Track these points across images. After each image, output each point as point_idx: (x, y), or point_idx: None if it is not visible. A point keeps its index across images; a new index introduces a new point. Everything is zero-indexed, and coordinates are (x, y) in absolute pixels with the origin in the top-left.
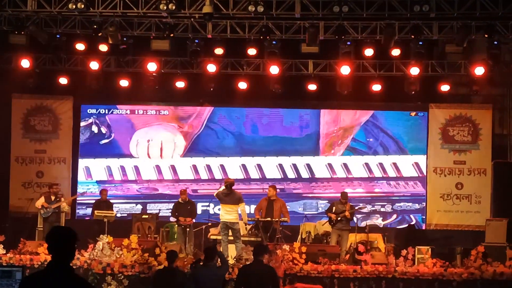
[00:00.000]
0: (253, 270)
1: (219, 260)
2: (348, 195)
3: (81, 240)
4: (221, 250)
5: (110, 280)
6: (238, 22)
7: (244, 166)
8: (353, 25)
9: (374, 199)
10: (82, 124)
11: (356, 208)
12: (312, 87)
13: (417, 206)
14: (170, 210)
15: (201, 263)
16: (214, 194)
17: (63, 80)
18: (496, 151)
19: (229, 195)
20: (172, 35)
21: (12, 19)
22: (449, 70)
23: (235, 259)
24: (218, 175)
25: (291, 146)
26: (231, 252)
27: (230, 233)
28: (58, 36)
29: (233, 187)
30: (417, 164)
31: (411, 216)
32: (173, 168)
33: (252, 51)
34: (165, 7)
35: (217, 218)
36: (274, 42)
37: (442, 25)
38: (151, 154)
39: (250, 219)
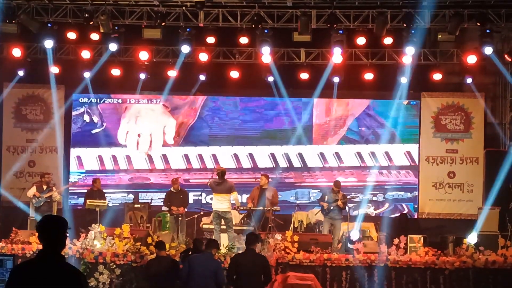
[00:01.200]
0: (245, 259)
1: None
2: (341, 184)
3: (73, 230)
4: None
5: (102, 269)
6: (230, 10)
7: (236, 155)
8: (345, 14)
9: (366, 188)
10: (74, 113)
11: (348, 197)
12: (304, 76)
13: (409, 195)
14: (162, 200)
15: (190, 253)
16: (208, 184)
17: (54, 69)
18: (488, 139)
19: (221, 184)
20: (163, 23)
21: (3, 8)
22: (441, 58)
23: (227, 248)
24: (210, 164)
25: (283, 136)
26: (223, 241)
27: (223, 222)
28: (49, 25)
29: (225, 177)
30: (409, 153)
31: (403, 205)
32: (164, 157)
33: (244, 40)
34: None
35: (209, 207)
36: (266, 31)
37: (434, 13)
38: (141, 147)
39: (242, 208)
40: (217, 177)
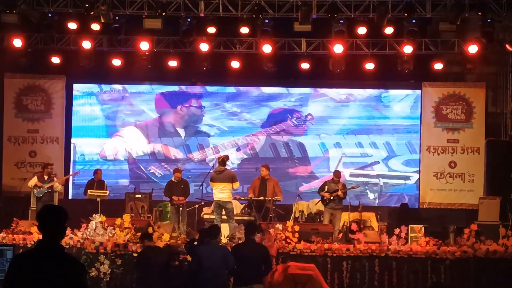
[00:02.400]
0: (245, 249)
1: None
2: (341, 174)
3: (74, 220)
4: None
5: (103, 259)
6: (230, 0)
7: (236, 145)
8: (346, 3)
9: (367, 177)
10: (75, 103)
11: (349, 187)
12: (305, 66)
13: (410, 185)
14: (163, 190)
15: (196, 243)
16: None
17: (55, 59)
18: (489, 129)
19: (222, 173)
20: (164, 13)
21: None
22: (442, 48)
23: (228, 238)
24: (210, 154)
25: (284, 126)
26: (224, 231)
27: (223, 212)
28: (50, 15)
29: (226, 165)
30: (410, 142)
31: (404, 195)
32: (165, 147)
33: (244, 30)
34: None
35: (210, 197)
36: (266, 21)
37: (435, 3)
38: (140, 136)
39: (243, 198)
40: (218, 165)
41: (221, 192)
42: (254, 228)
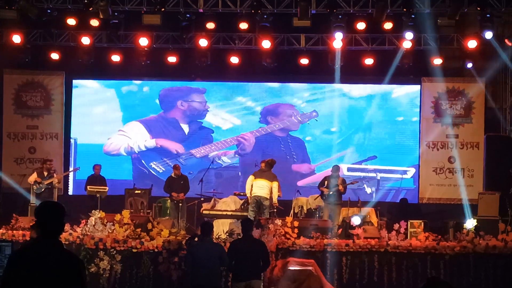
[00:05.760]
0: (243, 245)
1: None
2: (340, 169)
3: (73, 216)
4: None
5: (103, 255)
6: None
7: (237, 141)
8: None
9: (365, 172)
10: (74, 99)
11: (349, 182)
12: (304, 61)
13: (409, 180)
14: (163, 186)
15: (196, 239)
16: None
17: (54, 56)
18: (488, 124)
19: (265, 172)
20: (163, 9)
21: None
22: (441, 43)
23: (227, 234)
24: (213, 150)
25: (284, 121)
26: (224, 227)
27: (259, 210)
28: (49, 11)
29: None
30: (409, 138)
31: (404, 190)
32: (168, 143)
33: (243, 26)
34: None
35: (210, 193)
36: (265, 16)
37: None
38: (140, 133)
39: (242, 193)
40: (264, 166)
41: (261, 188)
42: (251, 223)
